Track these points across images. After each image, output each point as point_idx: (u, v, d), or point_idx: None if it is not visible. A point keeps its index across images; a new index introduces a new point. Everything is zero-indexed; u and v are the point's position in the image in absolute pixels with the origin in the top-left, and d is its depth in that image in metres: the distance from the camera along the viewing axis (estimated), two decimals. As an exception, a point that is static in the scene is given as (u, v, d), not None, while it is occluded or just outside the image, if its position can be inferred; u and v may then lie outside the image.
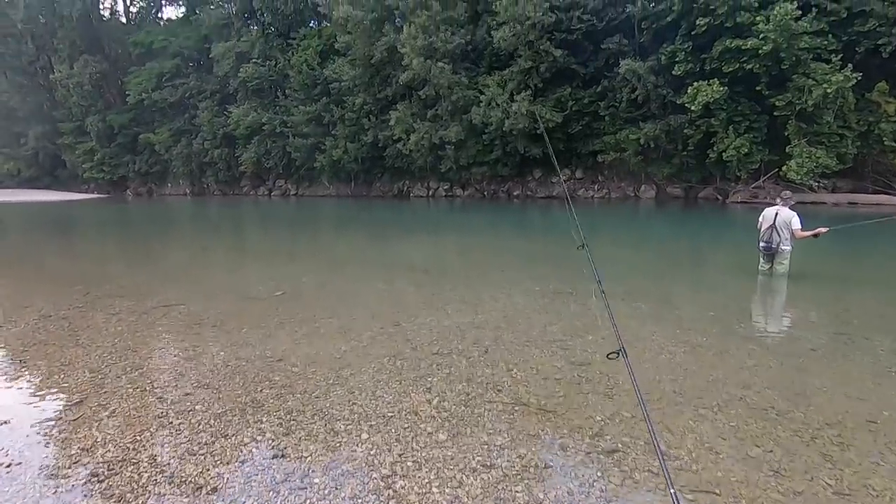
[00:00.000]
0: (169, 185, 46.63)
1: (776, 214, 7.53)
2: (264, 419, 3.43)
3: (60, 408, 3.70)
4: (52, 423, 3.47)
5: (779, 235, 7.44)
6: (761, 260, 7.80)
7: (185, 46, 41.38)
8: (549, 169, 29.34)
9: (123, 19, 50.66)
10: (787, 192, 8.05)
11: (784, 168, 19.85)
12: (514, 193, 30.47)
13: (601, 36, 24.63)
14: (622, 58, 23.68)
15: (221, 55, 37.36)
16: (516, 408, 3.56)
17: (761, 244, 7.64)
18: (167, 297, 7.57)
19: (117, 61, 46.19)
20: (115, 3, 50.52)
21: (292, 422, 3.38)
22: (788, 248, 7.46)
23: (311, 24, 37.60)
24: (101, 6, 47.99)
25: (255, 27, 36.75)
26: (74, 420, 3.49)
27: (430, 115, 29.37)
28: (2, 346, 5.31)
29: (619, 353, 2.21)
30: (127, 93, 42.72)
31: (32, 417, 3.54)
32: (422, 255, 11.25)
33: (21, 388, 4.16)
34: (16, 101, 50.57)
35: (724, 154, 21.14)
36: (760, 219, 7.76)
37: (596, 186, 28.18)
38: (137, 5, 51.07)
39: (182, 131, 41.55)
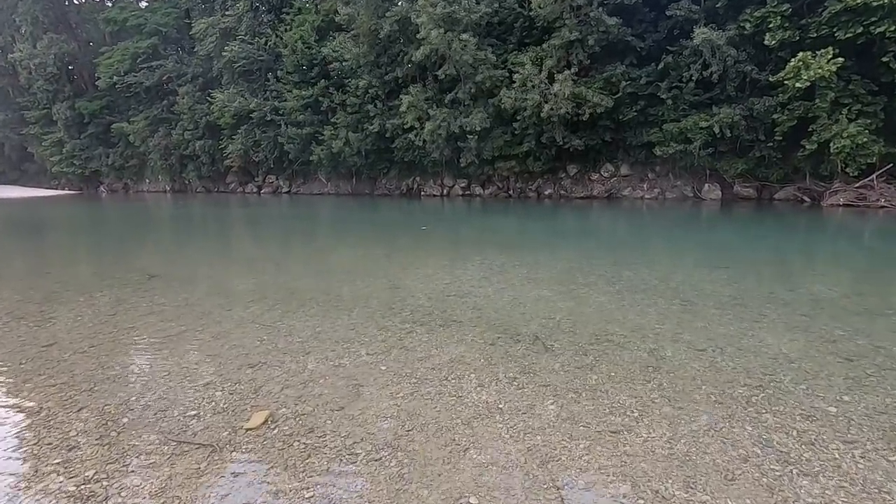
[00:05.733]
0: (147, 180, 41.75)
1: None
2: None
3: None
4: None
5: None
6: None
7: (162, 24, 36.52)
8: (586, 164, 24.97)
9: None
10: None
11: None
12: (546, 192, 26.02)
13: (665, 0, 20.20)
14: (691, 27, 19.28)
15: (203, 32, 32.58)
16: None
17: None
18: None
19: (88, 42, 41.18)
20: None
21: None
22: None
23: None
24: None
25: (243, 0, 31.93)
26: None
27: (448, 100, 24.83)
28: None
29: None
30: (97, 76, 37.78)
31: None
32: (501, 298, 6.74)
33: None
34: (-25, 86, 45.36)
35: (830, 145, 16.78)
36: None
37: (646, 185, 23.79)
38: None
39: (160, 120, 36.69)
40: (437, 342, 5.01)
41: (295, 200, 29.29)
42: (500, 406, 3.67)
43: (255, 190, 35.70)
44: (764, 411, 3.57)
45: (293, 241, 13.92)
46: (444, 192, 28.41)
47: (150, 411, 3.66)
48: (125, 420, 3.55)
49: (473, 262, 9.10)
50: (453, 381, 4.12)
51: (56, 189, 45.89)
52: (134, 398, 3.88)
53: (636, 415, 3.52)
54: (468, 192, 27.91)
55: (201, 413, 3.64)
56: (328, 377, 4.21)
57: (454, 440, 3.23)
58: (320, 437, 3.30)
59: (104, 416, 3.61)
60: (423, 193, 29.08)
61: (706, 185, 22.11)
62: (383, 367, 4.40)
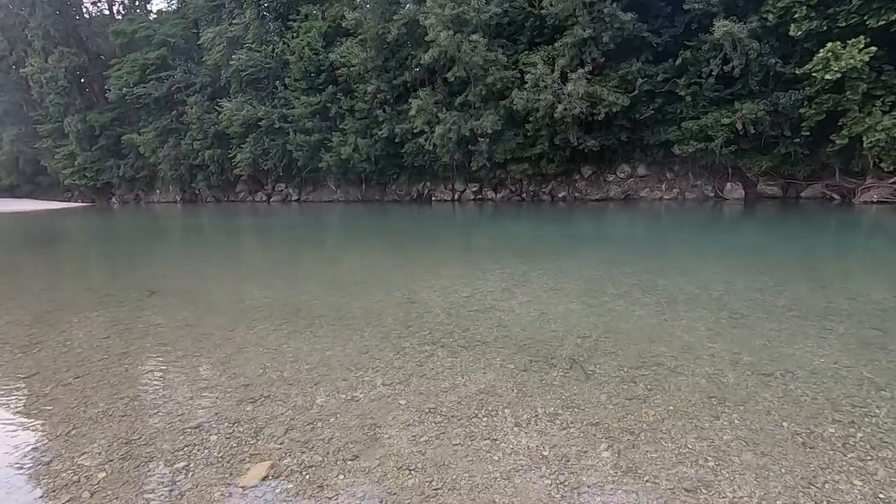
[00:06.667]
0: (158, 191, 41.84)
1: None
2: None
3: None
4: None
5: None
6: None
7: (171, 35, 36.54)
8: (602, 165, 24.29)
9: (107, 11, 45.82)
10: None
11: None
12: (560, 195, 25.37)
13: (682, -6, 19.55)
14: (710, 20, 18.56)
15: (211, 42, 32.47)
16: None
17: None
18: None
19: (99, 55, 41.39)
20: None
21: None
22: None
23: (312, 3, 32.66)
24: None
25: (250, 9, 31.79)
26: None
27: (458, 103, 24.37)
28: None
29: None
30: (107, 89, 37.91)
31: None
32: (527, 313, 6.11)
33: None
34: (-12, 101, 45.95)
35: (863, 139, 15.95)
36: None
37: (664, 186, 23.04)
38: (123, -5, 46.17)
39: (169, 131, 36.65)
40: (462, 368, 4.42)
41: (304, 208, 28.95)
42: (545, 453, 3.07)
43: (264, 198, 35.52)
44: (868, 458, 2.92)
45: (302, 251, 13.43)
46: (456, 196, 27.89)
47: (131, 463, 3.12)
48: (101, 476, 3.00)
49: (492, 272, 8.50)
50: (485, 418, 3.53)
51: (69, 201, 46.18)
52: (115, 445, 3.33)
53: (712, 465, 2.90)
54: (480, 197, 27.35)
55: (191, 465, 3.09)
56: (339, 415, 3.64)
57: (494, 503, 2.64)
58: (331, 498, 2.72)
59: (77, 470, 3.06)
60: (433, 198, 28.59)
61: (728, 184, 21.30)
62: (402, 402, 3.82)
